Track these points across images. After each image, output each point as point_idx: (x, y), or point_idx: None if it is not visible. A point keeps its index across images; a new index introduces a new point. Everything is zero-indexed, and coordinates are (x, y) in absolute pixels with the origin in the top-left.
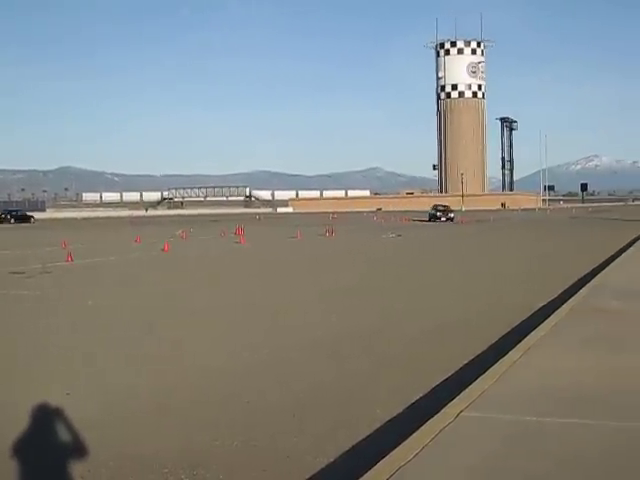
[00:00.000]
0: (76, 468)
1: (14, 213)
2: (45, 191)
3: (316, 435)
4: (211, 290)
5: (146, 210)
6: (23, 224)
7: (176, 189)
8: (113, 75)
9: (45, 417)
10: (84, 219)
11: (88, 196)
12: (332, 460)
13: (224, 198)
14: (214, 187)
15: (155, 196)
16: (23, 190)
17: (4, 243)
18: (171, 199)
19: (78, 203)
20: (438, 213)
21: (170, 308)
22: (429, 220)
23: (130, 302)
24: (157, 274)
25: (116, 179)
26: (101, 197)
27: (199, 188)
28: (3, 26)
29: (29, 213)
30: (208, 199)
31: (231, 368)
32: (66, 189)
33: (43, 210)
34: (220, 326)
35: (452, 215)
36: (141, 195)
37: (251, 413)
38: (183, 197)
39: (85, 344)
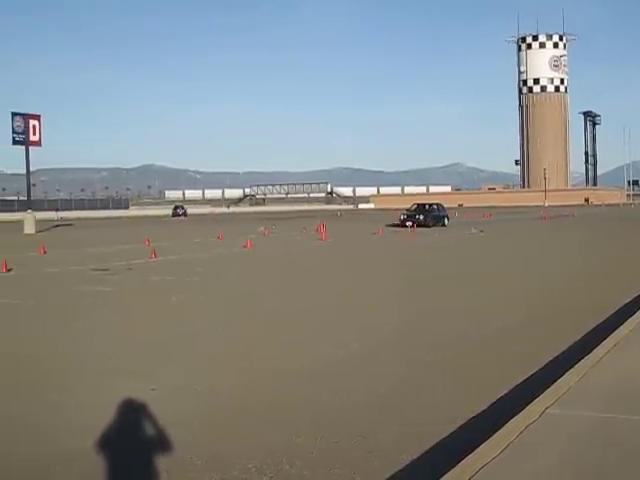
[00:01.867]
0: (161, 463)
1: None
2: (128, 189)
3: (400, 433)
4: (294, 288)
5: (228, 207)
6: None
7: (258, 186)
8: (194, 75)
9: (130, 412)
10: (166, 216)
11: (171, 193)
12: (416, 457)
13: (305, 195)
14: (295, 184)
15: (237, 193)
16: (107, 188)
17: (89, 240)
18: (253, 196)
19: (161, 200)
20: (402, 216)
21: (253, 306)
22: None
23: (213, 300)
24: (239, 271)
25: (198, 176)
26: (183, 194)
27: (280, 185)
28: (90, 30)
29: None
30: (289, 196)
31: (314, 368)
32: (149, 187)
33: (126, 207)
34: (304, 324)
35: (439, 216)
36: (223, 192)
37: (334, 411)
38: (265, 194)
39: (168, 341)
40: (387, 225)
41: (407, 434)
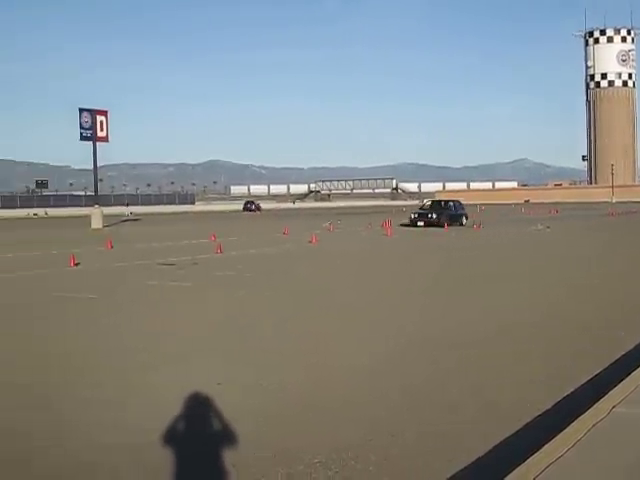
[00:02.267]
0: (227, 457)
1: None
2: (194, 184)
3: (467, 430)
4: (361, 283)
5: (293, 202)
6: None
7: (323, 181)
8: (259, 71)
9: (197, 405)
10: (232, 211)
11: (236, 189)
12: (479, 456)
13: (370, 190)
14: (360, 179)
15: (302, 188)
16: (173, 183)
17: (156, 235)
18: (318, 191)
19: (226, 196)
20: (413, 215)
21: (319, 302)
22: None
23: (279, 295)
24: (304, 267)
25: (263, 172)
26: (249, 190)
27: (346, 180)
28: (158, 27)
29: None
30: (355, 191)
31: (384, 363)
32: (215, 182)
33: (192, 203)
34: (370, 321)
35: (455, 215)
36: (288, 188)
37: (399, 409)
38: (330, 189)
39: (234, 336)
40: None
41: (482, 433)
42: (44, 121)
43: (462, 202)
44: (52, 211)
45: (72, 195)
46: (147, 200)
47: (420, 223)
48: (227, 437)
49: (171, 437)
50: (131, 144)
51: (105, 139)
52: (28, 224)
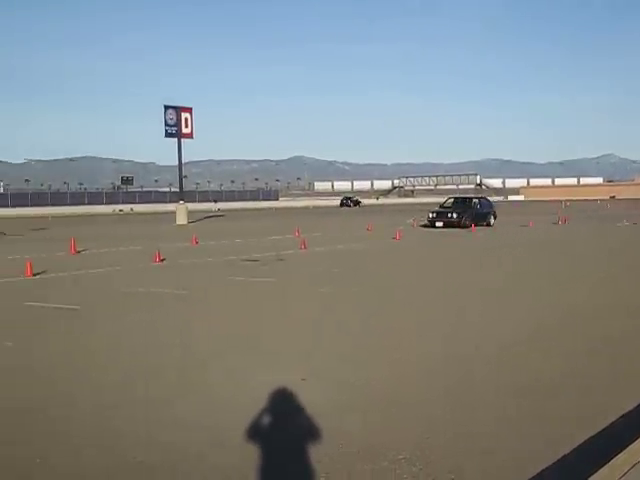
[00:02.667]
0: (311, 452)
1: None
2: (278, 180)
3: (550, 427)
4: (446, 279)
5: (377, 199)
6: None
7: (406, 177)
8: (343, 66)
9: (281, 401)
10: (316, 207)
11: (320, 185)
12: (563, 455)
13: (454, 186)
14: (444, 175)
15: (386, 184)
16: (257, 180)
17: (240, 231)
18: (402, 187)
19: (310, 192)
20: (431, 214)
21: (402, 298)
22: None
23: (363, 291)
24: (388, 262)
25: (347, 168)
26: (332, 186)
27: (429, 176)
28: (241, 27)
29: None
30: (438, 187)
31: (471, 359)
32: (298, 178)
33: (276, 199)
34: (457, 316)
35: (480, 214)
36: (372, 184)
37: (487, 406)
38: (413, 185)
39: (318, 332)
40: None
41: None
42: (130, 118)
43: (490, 200)
44: (137, 207)
45: (157, 191)
46: (231, 196)
47: (439, 223)
48: (311, 433)
49: (256, 432)
50: (215, 140)
51: (190, 136)
52: (113, 220)
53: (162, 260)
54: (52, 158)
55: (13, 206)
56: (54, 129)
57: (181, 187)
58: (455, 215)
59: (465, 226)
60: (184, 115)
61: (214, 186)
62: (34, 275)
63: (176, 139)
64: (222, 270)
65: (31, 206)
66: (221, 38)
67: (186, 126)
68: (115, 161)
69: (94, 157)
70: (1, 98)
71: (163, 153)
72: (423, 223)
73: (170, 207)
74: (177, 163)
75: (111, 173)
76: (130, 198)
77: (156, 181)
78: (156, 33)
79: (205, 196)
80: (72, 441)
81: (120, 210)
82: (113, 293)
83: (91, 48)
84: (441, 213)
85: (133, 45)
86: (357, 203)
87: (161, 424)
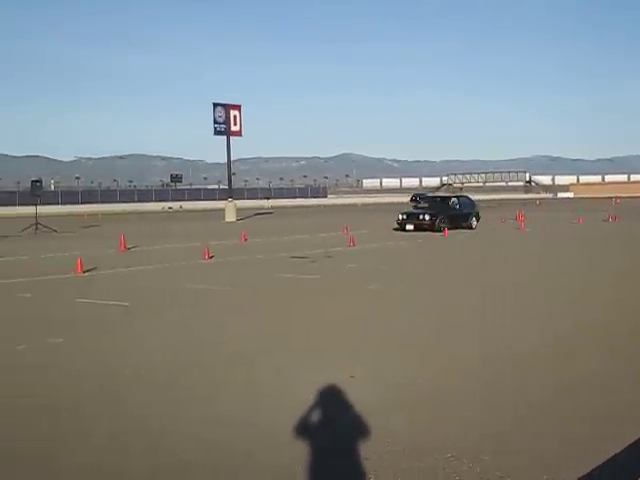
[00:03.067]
0: (360, 450)
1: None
2: (326, 177)
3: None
4: (492, 277)
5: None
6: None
7: (455, 174)
8: (389, 63)
9: (329, 398)
10: (364, 205)
11: (368, 182)
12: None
13: (503, 183)
14: (493, 172)
15: (434, 182)
16: (305, 177)
17: (288, 228)
18: (450, 184)
19: (359, 189)
20: (401, 216)
21: (448, 295)
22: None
23: (410, 288)
24: (435, 260)
25: (395, 165)
26: (381, 183)
27: (478, 174)
28: (285, 21)
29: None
30: (487, 184)
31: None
32: (347, 175)
33: (325, 196)
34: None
35: (459, 215)
36: (420, 181)
37: (538, 407)
38: (462, 182)
39: (366, 328)
40: (586, 213)
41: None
42: (179, 116)
43: (472, 199)
44: (186, 205)
45: (206, 189)
46: (279, 193)
47: (409, 226)
48: (360, 430)
49: (304, 429)
50: (263, 138)
51: (238, 133)
52: (163, 218)
53: (211, 257)
54: (102, 156)
55: (63, 203)
56: (103, 127)
57: (230, 184)
58: (427, 217)
59: (439, 229)
60: (233, 113)
61: (262, 183)
62: (84, 272)
63: (225, 137)
64: (270, 267)
65: (81, 203)
66: (270, 34)
67: (235, 124)
68: (164, 159)
69: (143, 155)
70: (51, 96)
71: (212, 151)
72: (394, 226)
73: (219, 204)
74: (226, 161)
75: (160, 171)
76: (179, 196)
77: (205, 178)
78: (204, 28)
79: (254, 193)
80: (119, 439)
81: (169, 207)
82: (162, 290)
83: (139, 46)
84: (412, 215)
85: (182, 42)
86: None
87: (207, 422)
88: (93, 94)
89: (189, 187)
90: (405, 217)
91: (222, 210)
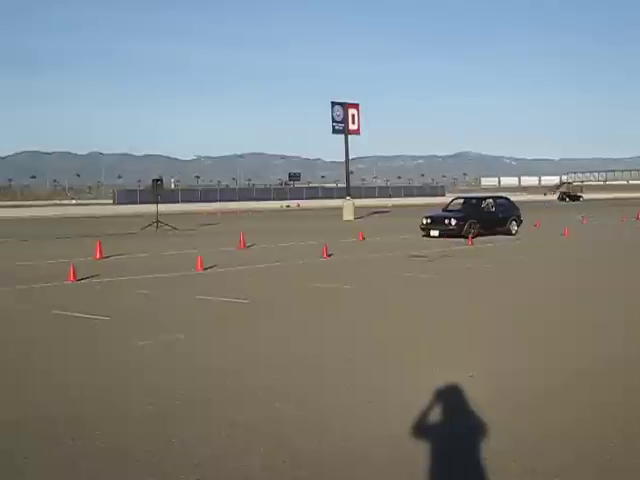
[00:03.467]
0: (479, 449)
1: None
2: (444, 176)
3: None
4: (616, 279)
5: (544, 195)
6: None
7: (575, 173)
8: (507, 63)
9: (448, 396)
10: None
11: (486, 181)
12: None
13: (624, 182)
14: (614, 171)
15: (554, 180)
16: (422, 175)
17: (405, 227)
18: (570, 183)
19: (476, 187)
20: (425, 220)
21: (569, 293)
22: None
23: (522, 291)
24: (556, 258)
25: (514, 163)
26: (499, 181)
27: (599, 172)
28: (402, 20)
29: (579, 193)
30: (608, 183)
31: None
32: (464, 174)
33: (443, 195)
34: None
35: (496, 220)
36: (539, 179)
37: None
38: (582, 181)
39: (486, 328)
40: None
41: None
42: (297, 115)
43: (512, 200)
44: (304, 203)
45: (323, 187)
46: (397, 192)
47: (434, 232)
48: (478, 430)
49: (425, 428)
50: (380, 136)
51: (356, 132)
52: (281, 215)
53: (329, 255)
54: (221, 155)
55: (183, 202)
56: (223, 126)
57: (348, 183)
58: (454, 221)
59: (466, 236)
60: (351, 111)
61: (380, 182)
62: (204, 269)
63: (343, 135)
64: (389, 265)
65: (201, 202)
66: (387, 32)
67: (353, 122)
68: (283, 157)
69: (262, 153)
70: (172, 97)
71: (330, 149)
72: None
73: (337, 203)
74: (344, 159)
75: (278, 169)
76: (297, 194)
77: (323, 177)
78: (320, 25)
79: (371, 192)
80: (236, 444)
81: (287, 206)
82: (281, 287)
83: (257, 46)
84: (437, 219)
85: (301, 41)
86: (576, 198)
87: (325, 415)
88: (211, 94)
89: (307, 186)
90: (429, 221)
91: (340, 208)
